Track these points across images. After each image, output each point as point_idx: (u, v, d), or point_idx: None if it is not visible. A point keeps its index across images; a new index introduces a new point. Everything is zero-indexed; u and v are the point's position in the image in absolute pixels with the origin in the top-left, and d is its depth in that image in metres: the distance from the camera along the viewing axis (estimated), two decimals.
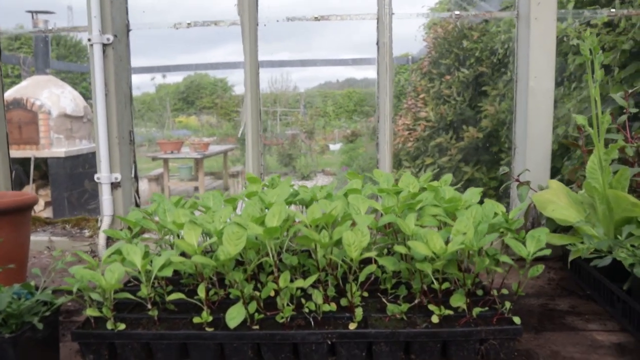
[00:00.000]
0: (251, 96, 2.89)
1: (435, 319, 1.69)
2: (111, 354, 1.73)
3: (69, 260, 1.79)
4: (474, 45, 5.90)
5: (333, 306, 1.76)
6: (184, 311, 1.84)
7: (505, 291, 1.80)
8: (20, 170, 6.98)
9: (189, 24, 2.98)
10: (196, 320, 1.71)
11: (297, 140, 11.51)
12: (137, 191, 3.07)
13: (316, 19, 2.89)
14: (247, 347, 1.68)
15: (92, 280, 1.63)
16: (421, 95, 6.49)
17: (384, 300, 1.85)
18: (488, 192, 5.30)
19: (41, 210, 7.12)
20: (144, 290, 1.71)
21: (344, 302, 1.80)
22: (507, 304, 1.73)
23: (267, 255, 1.69)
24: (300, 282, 1.68)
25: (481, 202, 1.92)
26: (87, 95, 8.46)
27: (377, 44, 2.83)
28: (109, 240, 2.87)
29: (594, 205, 2.24)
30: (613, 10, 3.29)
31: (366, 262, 2.05)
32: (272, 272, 1.79)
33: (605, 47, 3.52)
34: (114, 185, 2.93)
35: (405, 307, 1.72)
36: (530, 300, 2.22)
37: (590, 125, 2.18)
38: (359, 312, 1.71)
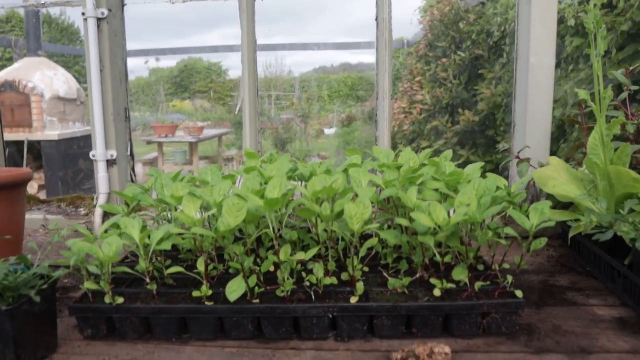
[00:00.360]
0: (249, 73, 2.85)
1: (437, 292, 1.68)
2: (109, 328, 1.71)
3: (66, 234, 1.76)
4: (470, 28, 5.84)
5: (334, 280, 1.74)
6: (183, 286, 1.82)
7: (506, 266, 1.80)
8: (15, 153, 6.90)
9: None
10: (195, 294, 1.69)
11: (291, 125, 11.45)
12: (133, 169, 3.03)
13: None
14: (247, 321, 1.66)
15: (89, 253, 1.61)
16: (417, 79, 6.44)
17: (385, 275, 1.84)
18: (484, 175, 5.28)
19: (35, 193, 7.05)
20: (143, 264, 1.69)
21: (345, 276, 1.79)
22: (509, 278, 1.72)
23: (267, 228, 1.66)
24: (301, 255, 1.66)
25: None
26: (80, 79, 8.36)
27: (377, 19, 2.79)
28: (106, 218, 2.84)
29: (595, 182, 2.23)
30: None
31: (366, 238, 2.04)
32: (272, 247, 1.77)
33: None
34: (110, 163, 2.90)
35: (406, 281, 1.71)
36: (530, 277, 2.21)
37: (593, 101, 2.16)
38: (360, 286, 1.69)
